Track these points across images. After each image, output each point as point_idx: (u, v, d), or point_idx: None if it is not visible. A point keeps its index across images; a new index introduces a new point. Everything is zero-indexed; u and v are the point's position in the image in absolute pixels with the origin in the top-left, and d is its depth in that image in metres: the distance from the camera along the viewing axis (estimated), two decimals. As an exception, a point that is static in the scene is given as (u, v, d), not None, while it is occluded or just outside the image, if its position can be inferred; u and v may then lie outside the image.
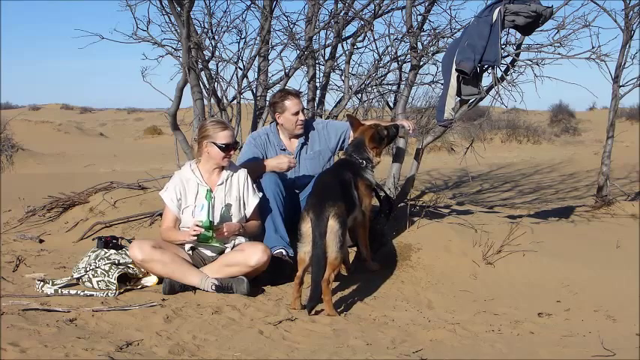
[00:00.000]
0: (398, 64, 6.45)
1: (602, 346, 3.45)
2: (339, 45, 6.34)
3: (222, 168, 4.66)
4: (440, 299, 4.61)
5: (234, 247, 4.60)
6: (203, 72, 5.94)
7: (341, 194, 4.36)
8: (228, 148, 4.57)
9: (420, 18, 6.05)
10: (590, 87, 7.60)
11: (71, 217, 6.25)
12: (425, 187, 9.44)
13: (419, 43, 5.93)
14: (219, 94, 6.01)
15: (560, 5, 5.53)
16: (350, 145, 4.93)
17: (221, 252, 4.59)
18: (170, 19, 5.99)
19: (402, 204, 5.71)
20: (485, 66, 5.27)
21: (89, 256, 4.59)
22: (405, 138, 5.66)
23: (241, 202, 4.67)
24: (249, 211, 4.70)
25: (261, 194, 4.74)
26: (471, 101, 5.46)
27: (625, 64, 7.30)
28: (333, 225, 4.16)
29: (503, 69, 5.45)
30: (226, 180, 4.66)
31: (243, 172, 4.72)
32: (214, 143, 4.54)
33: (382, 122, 5.15)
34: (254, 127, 5.99)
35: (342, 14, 6.08)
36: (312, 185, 4.73)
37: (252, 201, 4.70)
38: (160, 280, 4.47)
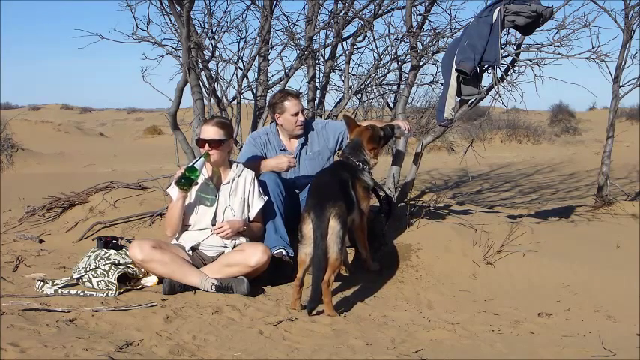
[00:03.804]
0: (398, 64, 6.45)
1: (602, 346, 3.45)
2: (339, 45, 6.35)
3: (230, 165, 4.68)
4: (440, 299, 4.61)
5: (234, 247, 4.60)
6: (203, 72, 5.94)
7: (341, 194, 4.35)
8: (200, 143, 4.58)
9: (420, 18, 6.05)
10: (590, 87, 7.62)
11: (71, 217, 6.24)
12: (425, 187, 9.46)
13: (419, 43, 5.93)
14: (219, 94, 6.01)
15: (560, 5, 5.55)
16: (347, 146, 4.89)
17: (221, 252, 4.60)
18: (170, 19, 5.99)
19: (402, 204, 5.72)
20: (486, 66, 5.28)
21: (89, 256, 4.59)
22: (405, 139, 5.66)
23: (245, 203, 4.68)
24: (252, 213, 4.71)
25: (266, 198, 4.75)
26: (471, 101, 5.46)
27: (625, 64, 7.32)
28: (334, 225, 4.15)
29: (503, 69, 5.46)
30: (232, 180, 4.66)
31: (250, 175, 4.72)
32: None
33: (377, 123, 5.14)
34: (254, 127, 5.99)
35: (342, 14, 6.08)
36: (310, 186, 4.70)
37: (257, 204, 4.70)
38: (160, 280, 4.47)
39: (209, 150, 4.54)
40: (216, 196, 4.60)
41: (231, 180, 4.66)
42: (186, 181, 4.40)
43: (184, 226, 4.65)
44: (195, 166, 4.44)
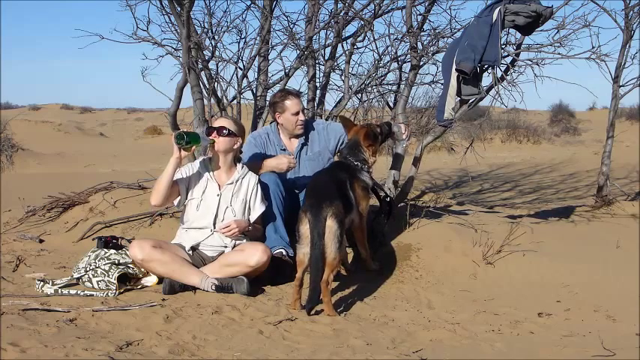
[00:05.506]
0: (398, 64, 6.45)
1: (602, 346, 3.45)
2: (339, 45, 6.34)
3: (235, 164, 4.70)
4: (440, 299, 4.61)
5: (234, 247, 4.60)
6: (203, 72, 5.94)
7: (338, 194, 4.34)
8: (209, 130, 4.64)
9: (420, 18, 6.05)
10: (590, 87, 7.61)
11: (71, 217, 6.24)
12: (425, 187, 9.46)
13: (419, 43, 5.93)
14: (219, 94, 6.01)
15: (560, 5, 5.55)
16: (345, 147, 4.88)
17: (221, 252, 4.60)
18: (170, 19, 5.99)
19: (402, 204, 5.71)
20: (486, 66, 5.27)
21: (89, 256, 4.59)
22: (406, 141, 5.65)
23: (246, 206, 4.68)
24: (253, 217, 4.71)
25: (267, 203, 4.75)
26: (471, 101, 5.46)
27: (625, 64, 7.31)
28: (331, 225, 4.14)
29: (503, 69, 5.46)
30: (236, 181, 4.67)
31: (254, 178, 4.73)
32: None
33: (375, 122, 5.13)
34: (254, 127, 5.99)
35: (342, 14, 6.08)
36: (307, 186, 4.69)
37: (259, 208, 4.71)
38: (160, 280, 4.47)
39: (216, 137, 4.58)
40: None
41: (235, 180, 4.67)
42: (185, 139, 4.41)
43: (183, 226, 4.65)
44: (200, 136, 4.51)
